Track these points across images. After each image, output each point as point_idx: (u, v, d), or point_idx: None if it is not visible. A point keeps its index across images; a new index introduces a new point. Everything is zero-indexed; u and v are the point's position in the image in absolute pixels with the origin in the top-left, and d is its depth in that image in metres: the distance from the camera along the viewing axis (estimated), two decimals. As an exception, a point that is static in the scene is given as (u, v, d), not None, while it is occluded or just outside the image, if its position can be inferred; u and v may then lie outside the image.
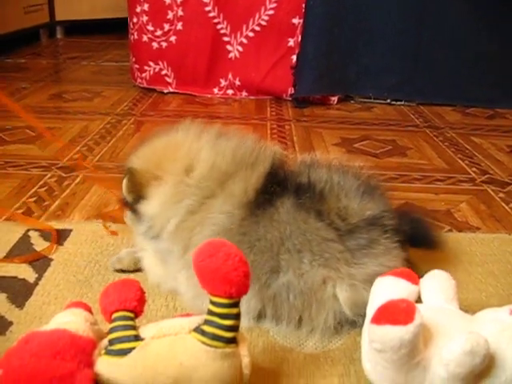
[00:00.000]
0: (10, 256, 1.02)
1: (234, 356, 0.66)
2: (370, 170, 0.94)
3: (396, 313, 0.63)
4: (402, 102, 2.18)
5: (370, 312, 0.76)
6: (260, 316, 0.84)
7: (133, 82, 2.32)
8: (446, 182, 1.44)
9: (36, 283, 0.94)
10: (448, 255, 1.05)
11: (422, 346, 0.65)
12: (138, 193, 0.90)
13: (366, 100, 2.19)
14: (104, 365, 0.63)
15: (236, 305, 0.65)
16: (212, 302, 0.65)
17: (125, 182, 0.91)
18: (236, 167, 0.87)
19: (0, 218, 1.16)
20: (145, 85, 2.26)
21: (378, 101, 2.19)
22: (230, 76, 2.19)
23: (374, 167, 1.49)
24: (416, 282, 0.78)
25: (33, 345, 0.62)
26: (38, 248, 1.05)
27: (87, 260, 1.02)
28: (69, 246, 1.06)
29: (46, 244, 1.06)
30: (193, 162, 0.88)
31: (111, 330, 0.65)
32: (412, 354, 0.64)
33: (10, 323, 0.84)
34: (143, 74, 2.23)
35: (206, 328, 0.64)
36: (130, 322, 0.66)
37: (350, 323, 0.82)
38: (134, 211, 0.92)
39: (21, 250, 1.04)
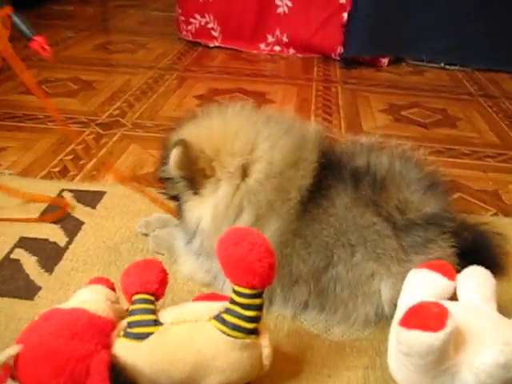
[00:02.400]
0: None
1: (255, 347, 0.64)
2: (419, 144, 0.88)
3: (427, 317, 0.60)
4: (457, 67, 2.05)
5: (401, 306, 0.73)
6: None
7: (178, 34, 2.27)
8: (496, 158, 1.36)
9: (66, 247, 0.95)
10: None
11: (452, 352, 0.61)
12: (191, 171, 0.79)
13: (418, 63, 2.08)
14: (122, 347, 0.62)
15: (259, 295, 0.63)
16: (235, 291, 0.63)
17: (176, 152, 0.77)
18: (289, 164, 0.79)
19: (37, 176, 1.17)
20: (190, 38, 2.21)
21: (431, 64, 2.07)
22: (277, 32, 2.11)
23: (421, 138, 1.44)
24: (452, 278, 0.74)
25: (52, 323, 0.62)
26: (70, 210, 1.05)
27: (118, 225, 1.01)
28: (101, 210, 1.05)
29: (79, 205, 1.06)
30: (250, 160, 0.78)
31: (131, 313, 0.64)
32: (440, 361, 0.61)
33: (39, 288, 0.85)
34: (189, 27, 2.17)
35: (227, 317, 0.63)
36: (149, 306, 0.64)
37: (387, 318, 0.78)
38: (177, 202, 0.85)
39: (54, 212, 1.04)
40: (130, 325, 0.63)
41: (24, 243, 0.95)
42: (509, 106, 1.72)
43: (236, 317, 0.62)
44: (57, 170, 1.20)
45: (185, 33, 2.21)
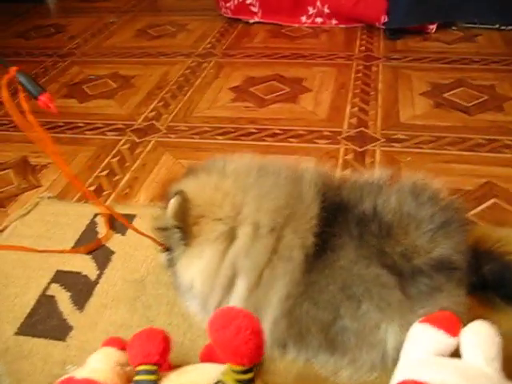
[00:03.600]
0: (78, 246, 1.09)
1: (251, 410, 0.68)
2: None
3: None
4: (514, 27, 1.90)
5: (403, 361, 0.74)
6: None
7: (218, 11, 2.23)
8: (542, 151, 1.28)
9: (97, 282, 1.01)
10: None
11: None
12: (185, 224, 0.80)
13: (470, 26, 1.94)
14: (131, 414, 0.68)
15: (250, 370, 0.66)
16: (228, 366, 0.66)
17: (174, 201, 0.79)
18: (283, 219, 0.79)
19: (74, 197, 1.24)
20: (230, 15, 2.17)
21: (484, 26, 1.93)
22: (318, 3, 2.02)
23: (461, 128, 1.38)
24: (456, 333, 0.73)
25: (67, 394, 0.68)
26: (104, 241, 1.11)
27: (145, 255, 1.05)
28: (130, 237, 1.10)
29: (110, 232, 1.11)
30: (234, 225, 0.79)
31: (136, 383, 0.69)
32: None
33: (71, 328, 0.92)
34: (228, 4, 2.13)
35: (223, 389, 0.66)
36: (152, 377, 0.69)
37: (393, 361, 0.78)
38: (170, 255, 0.86)
39: (87, 239, 1.11)
40: (136, 395, 0.69)
41: (59, 277, 1.02)
42: None
43: (230, 389, 0.66)
44: (92, 188, 1.26)
45: (224, 10, 2.17)
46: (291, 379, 0.81)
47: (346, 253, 0.78)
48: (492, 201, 1.13)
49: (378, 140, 1.36)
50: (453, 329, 0.73)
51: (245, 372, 0.65)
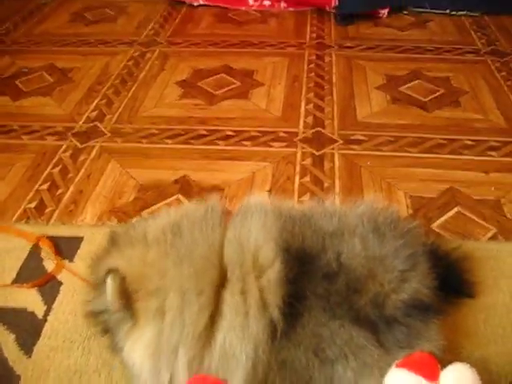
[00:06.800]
0: (20, 278, 0.99)
1: None
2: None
3: None
4: (464, 12, 1.87)
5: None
6: None
7: (161, -9, 2.10)
8: (500, 151, 1.26)
9: (45, 319, 0.92)
10: (486, 276, 0.94)
11: None
12: (128, 304, 0.71)
13: (421, 10, 1.90)
14: None
15: None
16: None
17: (113, 282, 0.70)
18: (209, 282, 0.71)
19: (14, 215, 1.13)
20: (173, -4, 2.04)
21: (435, 11, 1.89)
22: (265, -15, 1.93)
23: (419, 126, 1.35)
24: (435, 377, 0.70)
25: None
26: (47, 264, 1.01)
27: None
28: (78, 264, 1.01)
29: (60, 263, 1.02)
30: (164, 294, 0.71)
31: None
32: None
33: (18, 378, 0.83)
34: (170, -16, 2.00)
35: None
36: None
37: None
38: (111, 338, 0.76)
39: (31, 269, 1.01)
40: None
41: (2, 316, 0.92)
42: (519, 66, 1.59)
43: None
44: (33, 205, 1.15)
45: (167, -9, 2.04)
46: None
47: (314, 316, 0.71)
48: (455, 209, 1.10)
49: (336, 142, 1.30)
50: (432, 373, 0.70)
51: None
